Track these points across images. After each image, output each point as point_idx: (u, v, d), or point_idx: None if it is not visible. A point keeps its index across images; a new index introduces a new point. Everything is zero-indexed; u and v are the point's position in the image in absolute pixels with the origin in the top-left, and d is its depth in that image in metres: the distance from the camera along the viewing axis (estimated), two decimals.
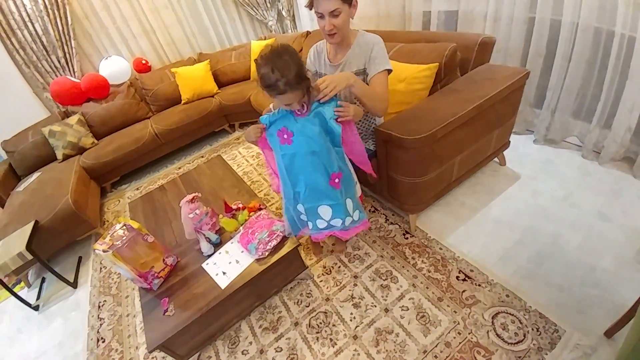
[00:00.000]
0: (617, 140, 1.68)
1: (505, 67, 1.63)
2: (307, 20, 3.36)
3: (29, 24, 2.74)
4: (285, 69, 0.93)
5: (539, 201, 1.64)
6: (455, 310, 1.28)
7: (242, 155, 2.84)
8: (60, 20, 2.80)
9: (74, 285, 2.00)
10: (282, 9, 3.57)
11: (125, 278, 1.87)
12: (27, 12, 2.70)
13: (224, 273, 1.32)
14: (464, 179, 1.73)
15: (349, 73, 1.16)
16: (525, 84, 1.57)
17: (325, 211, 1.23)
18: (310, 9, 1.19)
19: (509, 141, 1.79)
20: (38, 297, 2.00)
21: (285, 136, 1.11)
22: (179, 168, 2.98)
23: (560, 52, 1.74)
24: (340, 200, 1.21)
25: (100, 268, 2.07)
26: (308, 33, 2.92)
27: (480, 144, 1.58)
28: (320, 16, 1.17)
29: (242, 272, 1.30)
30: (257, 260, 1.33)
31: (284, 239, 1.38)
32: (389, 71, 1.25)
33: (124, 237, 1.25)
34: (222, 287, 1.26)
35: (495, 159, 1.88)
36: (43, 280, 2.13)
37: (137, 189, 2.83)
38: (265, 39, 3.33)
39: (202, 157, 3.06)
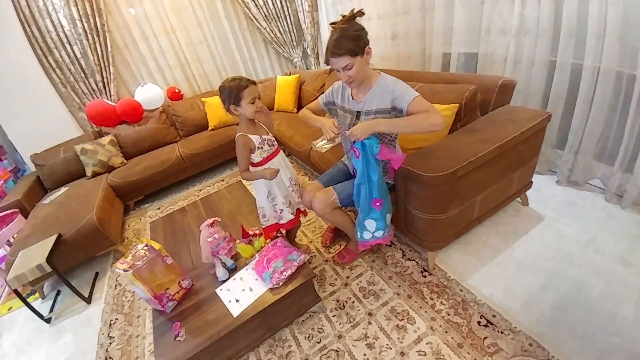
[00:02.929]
0: (638, 184, 1.63)
1: (526, 109, 1.64)
2: None
3: (67, 46, 2.88)
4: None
5: (562, 245, 1.58)
6: (476, 358, 1.20)
7: None
8: (100, 46, 3.00)
9: (88, 300, 2.01)
10: (307, 47, 3.81)
11: (140, 298, 1.89)
12: (65, 34, 2.83)
13: (237, 300, 1.31)
14: (486, 218, 1.69)
15: (369, 122, 1.29)
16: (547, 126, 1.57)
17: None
18: (328, 65, 1.33)
19: (532, 182, 1.77)
20: (51, 310, 2.02)
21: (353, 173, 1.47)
22: (200, 190, 3.06)
23: (581, 96, 1.75)
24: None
25: (116, 285, 2.09)
26: (330, 70, 3.07)
27: (502, 183, 1.56)
28: (337, 70, 1.31)
29: (255, 301, 1.29)
30: (271, 289, 1.32)
31: (299, 269, 1.37)
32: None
33: (145, 258, 1.28)
34: (234, 316, 1.25)
35: (518, 199, 1.84)
36: (58, 293, 2.16)
37: (159, 208, 2.92)
38: (290, 74, 3.52)
39: (223, 180, 3.15)
